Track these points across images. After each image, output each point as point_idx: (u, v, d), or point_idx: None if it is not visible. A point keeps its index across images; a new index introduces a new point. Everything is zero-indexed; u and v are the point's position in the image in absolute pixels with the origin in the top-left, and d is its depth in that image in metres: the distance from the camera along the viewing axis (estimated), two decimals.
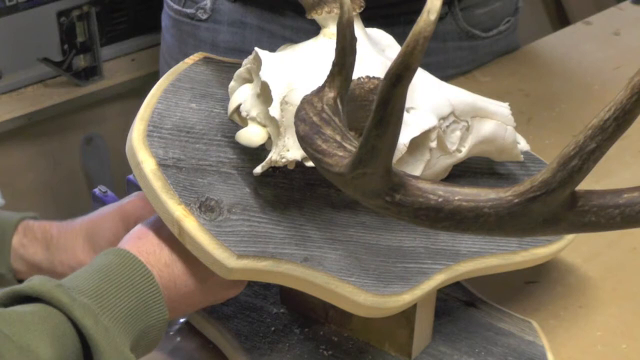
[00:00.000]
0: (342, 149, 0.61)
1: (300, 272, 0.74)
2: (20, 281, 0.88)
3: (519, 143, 0.87)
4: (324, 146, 0.62)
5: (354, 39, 0.63)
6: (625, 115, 0.49)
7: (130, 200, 0.88)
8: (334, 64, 0.65)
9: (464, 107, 0.81)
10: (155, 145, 0.77)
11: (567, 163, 0.52)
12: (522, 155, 0.88)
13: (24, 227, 0.89)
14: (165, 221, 0.74)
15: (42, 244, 0.88)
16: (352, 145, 0.61)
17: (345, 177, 0.59)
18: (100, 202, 1.02)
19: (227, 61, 0.90)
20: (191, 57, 0.88)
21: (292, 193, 0.80)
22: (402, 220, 0.58)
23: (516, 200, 0.54)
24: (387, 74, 0.52)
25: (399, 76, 0.52)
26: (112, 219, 0.87)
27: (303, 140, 0.64)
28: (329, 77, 0.66)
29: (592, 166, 0.52)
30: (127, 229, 0.82)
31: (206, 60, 0.89)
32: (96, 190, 1.02)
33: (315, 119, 0.64)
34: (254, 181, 0.78)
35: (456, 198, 0.56)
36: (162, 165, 0.76)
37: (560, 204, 0.54)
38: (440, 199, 0.56)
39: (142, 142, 0.77)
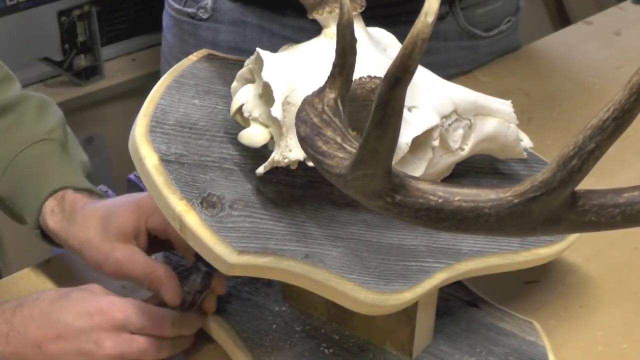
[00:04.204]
0: (342, 150, 0.61)
1: (301, 269, 0.75)
2: (45, 236, 0.96)
3: (521, 140, 0.87)
4: (324, 147, 0.62)
5: (354, 40, 0.63)
6: (624, 115, 0.49)
7: (147, 195, 0.91)
8: (335, 65, 0.65)
9: (466, 105, 0.81)
10: (158, 141, 0.77)
11: (567, 163, 0.52)
12: (525, 153, 0.88)
13: (61, 196, 0.94)
14: (167, 216, 0.74)
15: (66, 215, 0.93)
16: (352, 147, 0.61)
17: (346, 178, 0.59)
18: None
19: (230, 58, 0.90)
20: (195, 53, 0.89)
21: (294, 190, 0.80)
22: (402, 221, 0.58)
23: (516, 201, 0.54)
24: (386, 76, 0.52)
25: (398, 78, 0.52)
26: (128, 208, 0.90)
27: (304, 142, 0.64)
28: (329, 78, 0.66)
29: (592, 166, 0.52)
30: (140, 220, 0.88)
31: (210, 57, 0.89)
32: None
33: (315, 120, 0.64)
34: (256, 178, 0.78)
35: (456, 199, 0.56)
36: (165, 160, 0.76)
37: (560, 203, 0.54)
38: (440, 200, 0.56)
39: (145, 138, 0.77)
